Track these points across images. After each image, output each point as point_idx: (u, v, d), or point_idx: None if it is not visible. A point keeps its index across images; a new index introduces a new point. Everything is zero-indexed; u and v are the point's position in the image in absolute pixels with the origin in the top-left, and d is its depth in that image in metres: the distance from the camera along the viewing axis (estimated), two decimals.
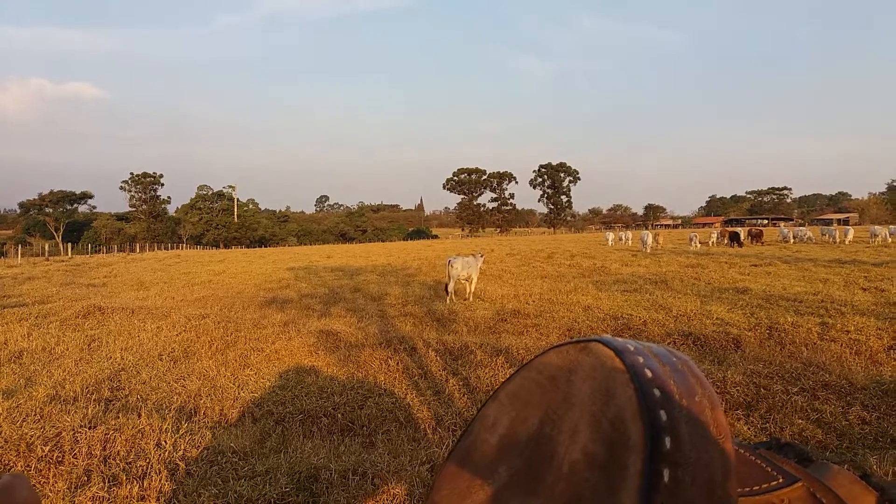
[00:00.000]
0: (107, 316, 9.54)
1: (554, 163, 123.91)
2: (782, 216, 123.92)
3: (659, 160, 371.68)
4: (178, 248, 78.54)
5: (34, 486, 3.30)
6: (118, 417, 4.37)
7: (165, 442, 3.98)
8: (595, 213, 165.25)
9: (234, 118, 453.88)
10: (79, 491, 3.33)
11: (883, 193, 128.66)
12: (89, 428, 4.09)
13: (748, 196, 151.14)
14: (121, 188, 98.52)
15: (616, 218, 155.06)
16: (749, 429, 4.39)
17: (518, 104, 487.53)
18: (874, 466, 3.54)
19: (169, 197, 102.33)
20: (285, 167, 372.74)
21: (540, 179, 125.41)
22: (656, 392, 0.40)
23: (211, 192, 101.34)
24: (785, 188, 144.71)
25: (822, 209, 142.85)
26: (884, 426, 4.30)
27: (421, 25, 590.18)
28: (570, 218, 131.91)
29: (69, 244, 60.30)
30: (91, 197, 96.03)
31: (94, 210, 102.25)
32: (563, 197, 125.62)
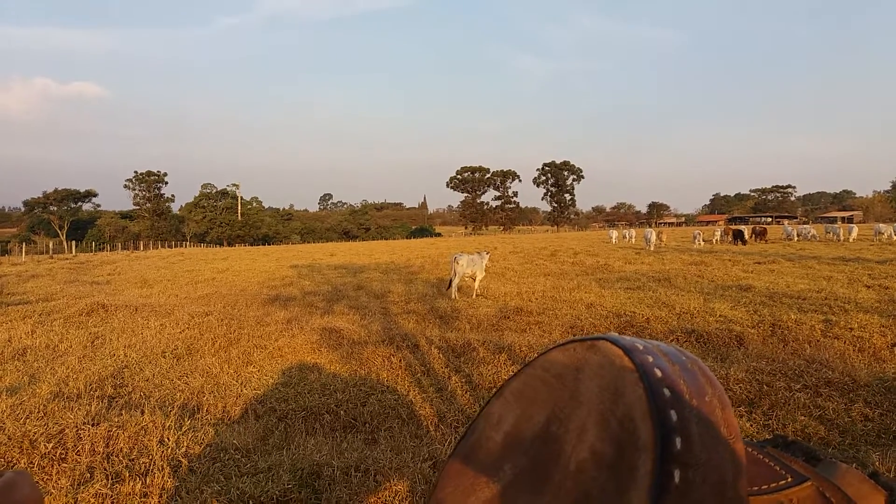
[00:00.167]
0: (110, 313, 9.56)
1: (557, 161, 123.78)
2: (786, 214, 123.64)
3: (662, 158, 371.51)
4: (181, 245, 78.78)
5: (37, 482, 3.32)
6: (121, 414, 4.38)
7: (168, 439, 3.99)
8: (598, 211, 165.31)
9: (238, 117, 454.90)
10: (82, 488, 3.34)
11: (887, 191, 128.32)
12: (92, 425, 4.10)
13: (752, 194, 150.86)
14: (125, 186, 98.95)
15: (619, 216, 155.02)
16: (752, 426, 4.38)
17: (521, 103, 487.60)
18: (877, 463, 3.53)
19: (173, 195, 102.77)
20: (289, 165, 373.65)
21: (543, 178, 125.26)
22: (666, 392, 0.40)
23: (215, 191, 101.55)
24: (789, 186, 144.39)
25: (826, 207, 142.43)
26: (887, 423, 4.29)
27: (422, 25, 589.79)
28: (573, 216, 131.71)
29: (73, 242, 60.54)
30: (95, 195, 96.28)
31: (99, 208, 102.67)
32: (566, 195, 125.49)
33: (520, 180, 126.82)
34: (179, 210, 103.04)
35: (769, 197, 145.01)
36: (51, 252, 49.42)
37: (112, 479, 3.47)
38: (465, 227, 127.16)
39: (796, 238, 32.55)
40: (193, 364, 6.40)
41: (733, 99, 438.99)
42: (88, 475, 3.52)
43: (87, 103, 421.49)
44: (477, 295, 11.55)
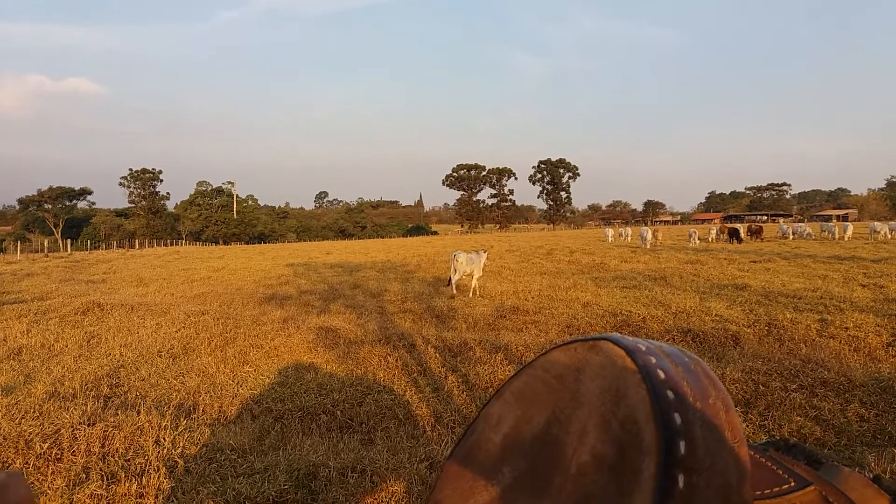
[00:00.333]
0: (106, 312, 9.54)
1: (553, 159, 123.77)
2: (781, 212, 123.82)
3: (658, 157, 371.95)
4: (177, 244, 78.53)
5: (31, 483, 3.30)
6: (117, 414, 4.37)
7: (164, 439, 3.98)
8: (594, 209, 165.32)
9: (234, 114, 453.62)
10: (77, 488, 3.33)
11: (882, 189, 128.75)
12: (88, 425, 4.08)
13: (747, 192, 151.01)
14: (120, 184, 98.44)
15: (615, 214, 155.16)
16: (748, 426, 4.39)
17: (517, 101, 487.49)
18: (872, 464, 3.54)
19: (168, 193, 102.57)
20: (284, 163, 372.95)
21: (539, 175, 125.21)
22: (670, 394, 0.39)
23: (210, 188, 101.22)
24: (784, 184, 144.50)
25: (821, 205, 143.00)
26: (882, 423, 4.31)
27: (420, 22, 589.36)
28: (569, 214, 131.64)
29: (68, 240, 60.26)
30: (90, 193, 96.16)
31: (94, 206, 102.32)
32: (562, 193, 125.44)
33: (516, 178, 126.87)
34: (175, 208, 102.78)
35: (765, 195, 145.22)
36: (46, 250, 49.28)
37: (108, 479, 3.46)
38: (462, 226, 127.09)
39: (792, 236, 32.62)
40: (189, 364, 6.39)
41: (729, 98, 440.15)
42: (84, 475, 3.51)
43: (82, 100, 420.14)
44: (474, 294, 11.55)
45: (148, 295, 12.96)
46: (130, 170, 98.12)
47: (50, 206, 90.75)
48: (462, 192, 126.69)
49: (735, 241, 29.49)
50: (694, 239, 30.20)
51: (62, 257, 36.63)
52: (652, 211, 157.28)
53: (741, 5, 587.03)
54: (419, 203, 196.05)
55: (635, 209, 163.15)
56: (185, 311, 9.26)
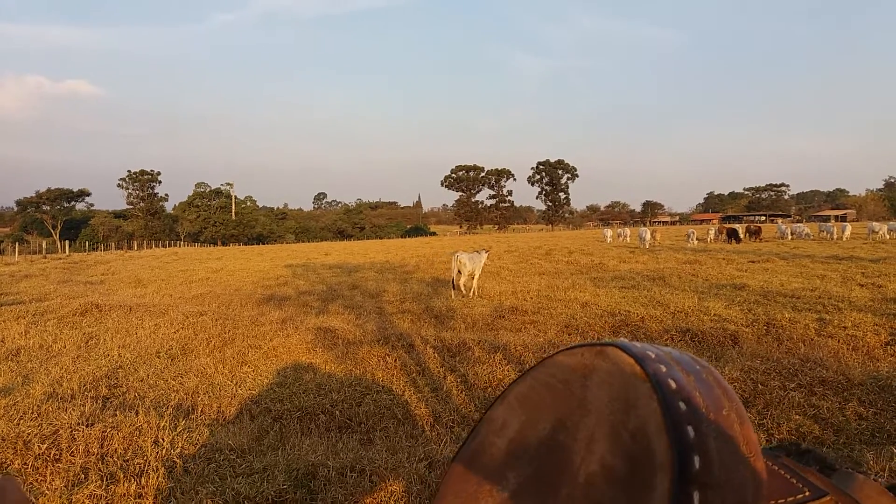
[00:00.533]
0: (104, 313, 9.53)
1: (552, 160, 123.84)
2: (780, 213, 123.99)
3: (657, 157, 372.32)
4: (175, 245, 78.49)
5: (27, 486, 3.30)
6: (116, 415, 4.36)
7: (163, 439, 3.98)
8: (593, 209, 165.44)
9: (232, 115, 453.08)
10: (76, 489, 3.33)
11: (880, 190, 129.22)
12: (87, 426, 4.08)
13: (746, 193, 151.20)
14: (118, 186, 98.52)
15: (614, 215, 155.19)
16: None
17: (516, 102, 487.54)
18: (871, 462, 3.54)
19: (166, 194, 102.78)
20: (283, 164, 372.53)
21: (538, 176, 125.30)
22: (682, 405, 0.37)
23: (209, 190, 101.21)
24: (783, 185, 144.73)
25: (819, 206, 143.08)
26: (880, 422, 4.31)
27: (419, 23, 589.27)
28: (568, 215, 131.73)
29: (67, 242, 60.29)
30: (89, 194, 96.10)
31: (92, 208, 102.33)
32: (561, 194, 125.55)
33: (514, 179, 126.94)
34: (173, 209, 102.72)
35: (763, 195, 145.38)
36: (44, 252, 49.25)
37: (106, 479, 3.46)
38: (460, 227, 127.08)
39: (790, 237, 32.63)
40: (188, 364, 6.38)
41: (728, 98, 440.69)
42: (83, 476, 3.50)
43: (81, 101, 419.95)
44: (473, 294, 11.55)
45: (146, 296, 12.95)
46: (129, 171, 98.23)
47: (48, 208, 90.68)
48: (461, 193, 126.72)
49: (733, 241, 29.51)
50: (692, 239, 30.23)
51: (60, 258, 36.60)
52: (650, 211, 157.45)
53: (741, 5, 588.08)
54: (418, 204, 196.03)
55: (634, 210, 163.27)
56: (184, 312, 9.25)
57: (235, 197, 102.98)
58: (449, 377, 5.77)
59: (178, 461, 3.71)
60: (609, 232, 39.36)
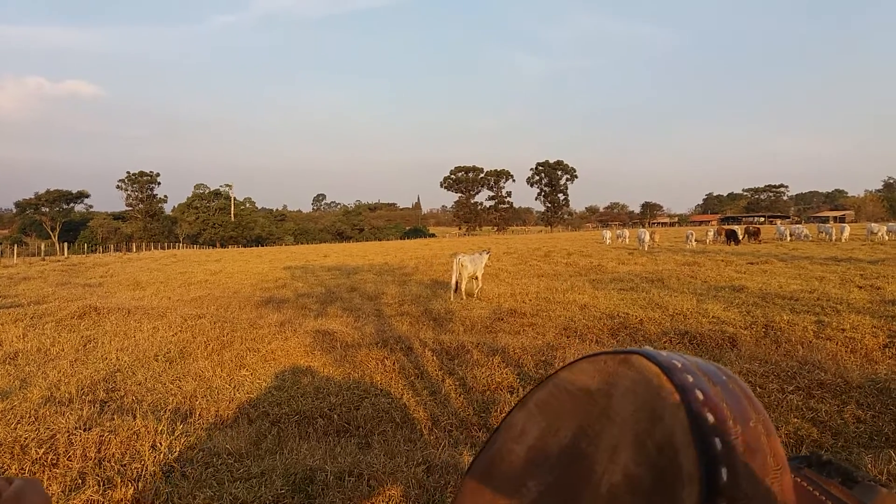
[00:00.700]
0: (103, 316, 9.51)
1: (551, 161, 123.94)
2: (779, 214, 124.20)
3: (656, 158, 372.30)
4: (174, 247, 78.45)
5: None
6: (113, 419, 4.35)
7: (160, 444, 3.97)
8: (592, 211, 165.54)
9: (231, 117, 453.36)
10: (73, 494, 3.32)
11: (879, 191, 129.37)
12: (84, 430, 4.07)
13: (745, 194, 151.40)
14: (117, 187, 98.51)
15: (613, 216, 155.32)
16: None
17: (515, 102, 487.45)
18: (869, 466, 3.54)
19: (165, 196, 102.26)
20: (282, 166, 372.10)
21: (537, 177, 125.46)
22: (710, 417, 0.37)
23: (207, 191, 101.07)
24: (781, 186, 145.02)
25: (818, 207, 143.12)
26: (879, 425, 4.31)
27: (417, 24, 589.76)
28: (567, 216, 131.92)
29: (65, 244, 60.20)
30: (87, 196, 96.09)
31: (91, 209, 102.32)
32: (560, 195, 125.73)
33: (513, 180, 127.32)
34: (172, 211, 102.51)
35: (762, 196, 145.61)
36: (42, 254, 49.20)
37: (104, 484, 3.45)
38: (459, 228, 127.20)
39: (789, 238, 32.66)
40: (186, 368, 6.37)
41: (727, 99, 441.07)
42: (80, 481, 3.49)
43: (81, 103, 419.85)
44: (473, 296, 11.55)
45: (145, 298, 12.93)
46: (128, 173, 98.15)
47: (47, 210, 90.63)
48: (460, 195, 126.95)
49: (732, 242, 29.54)
50: (691, 241, 30.26)
51: (59, 261, 36.56)
52: (649, 213, 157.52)
53: (739, 5, 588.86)
54: (417, 205, 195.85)
55: (633, 211, 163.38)
56: (182, 315, 9.24)
57: (234, 198, 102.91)
58: (447, 380, 5.77)
59: (175, 466, 3.70)
60: (608, 233, 39.42)
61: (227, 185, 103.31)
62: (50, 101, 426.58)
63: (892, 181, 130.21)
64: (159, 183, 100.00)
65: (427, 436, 4.44)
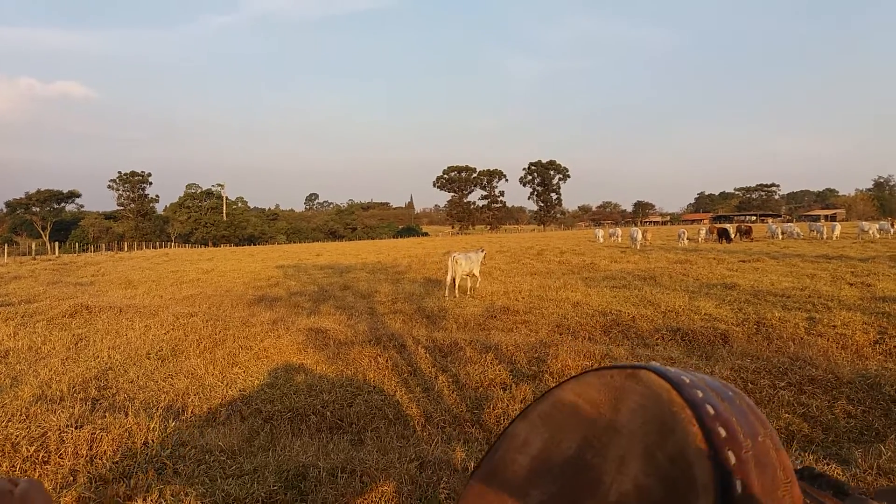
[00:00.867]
0: (94, 315, 9.46)
1: (544, 160, 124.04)
2: (770, 212, 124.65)
3: (648, 158, 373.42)
4: (166, 246, 78.00)
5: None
6: (105, 417, 4.33)
7: (153, 441, 3.95)
8: (585, 210, 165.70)
9: (223, 116, 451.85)
10: (64, 491, 3.30)
11: (870, 190, 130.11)
12: (76, 427, 4.05)
13: (736, 193, 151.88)
14: (109, 187, 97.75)
15: (605, 215, 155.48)
16: None
17: (508, 102, 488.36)
18: (860, 460, 3.57)
19: (157, 195, 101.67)
20: (274, 165, 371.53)
21: (530, 177, 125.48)
22: (722, 431, 0.38)
23: (199, 191, 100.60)
24: (773, 185, 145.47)
25: (809, 205, 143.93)
26: (869, 420, 4.34)
27: (411, 25, 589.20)
28: (559, 215, 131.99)
29: (56, 243, 59.74)
30: (78, 196, 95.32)
31: (82, 209, 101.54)
32: (552, 194, 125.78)
33: (506, 180, 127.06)
34: (164, 210, 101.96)
35: (753, 195, 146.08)
36: (33, 253, 48.86)
37: (95, 482, 3.43)
38: (452, 227, 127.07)
39: (780, 236, 32.81)
40: (178, 365, 6.35)
41: (719, 99, 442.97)
42: (71, 478, 3.48)
43: (72, 103, 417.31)
44: (468, 294, 11.56)
45: (136, 297, 12.87)
46: (119, 172, 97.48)
47: (38, 209, 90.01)
48: (453, 194, 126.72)
49: (724, 240, 29.66)
50: (683, 239, 30.37)
51: (50, 260, 36.32)
52: (642, 211, 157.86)
53: (737, 5, 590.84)
54: (410, 205, 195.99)
55: (625, 210, 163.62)
56: (174, 313, 9.21)
57: (227, 198, 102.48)
58: (440, 377, 5.77)
59: (167, 463, 3.69)
60: (600, 232, 39.47)
61: (219, 185, 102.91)
62: (42, 102, 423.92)
63: (882, 180, 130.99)
64: (151, 183, 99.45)
65: (420, 432, 4.44)
